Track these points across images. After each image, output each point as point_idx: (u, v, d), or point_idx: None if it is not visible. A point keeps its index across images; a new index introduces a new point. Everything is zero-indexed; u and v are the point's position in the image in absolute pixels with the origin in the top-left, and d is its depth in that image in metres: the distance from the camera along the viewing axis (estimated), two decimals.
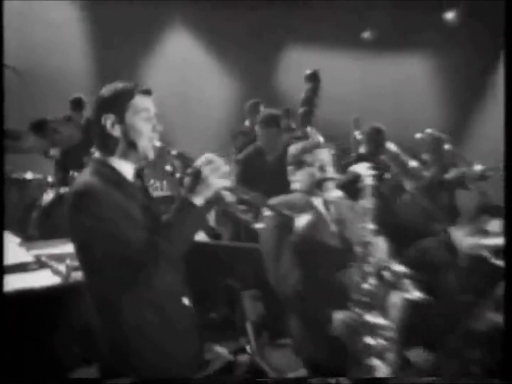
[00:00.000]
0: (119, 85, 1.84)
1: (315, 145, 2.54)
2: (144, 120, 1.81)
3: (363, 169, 2.31)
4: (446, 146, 4.44)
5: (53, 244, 2.85)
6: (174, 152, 1.83)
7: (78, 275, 2.30)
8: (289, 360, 2.49)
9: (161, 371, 1.82)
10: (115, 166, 1.82)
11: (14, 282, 2.33)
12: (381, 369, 2.05)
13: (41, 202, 3.76)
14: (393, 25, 6.92)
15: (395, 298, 2.10)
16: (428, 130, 4.50)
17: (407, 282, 2.08)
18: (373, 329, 2.04)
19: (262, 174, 3.60)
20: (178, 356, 1.88)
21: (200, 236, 3.41)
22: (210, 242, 3.25)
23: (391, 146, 4.27)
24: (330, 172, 2.45)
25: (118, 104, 1.80)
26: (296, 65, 7.44)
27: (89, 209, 1.69)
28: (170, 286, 1.85)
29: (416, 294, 2.04)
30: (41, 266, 2.56)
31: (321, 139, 4.89)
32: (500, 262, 2.57)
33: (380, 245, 2.22)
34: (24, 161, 4.00)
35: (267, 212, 1.79)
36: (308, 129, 5.12)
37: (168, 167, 1.86)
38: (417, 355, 2.62)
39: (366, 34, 7.44)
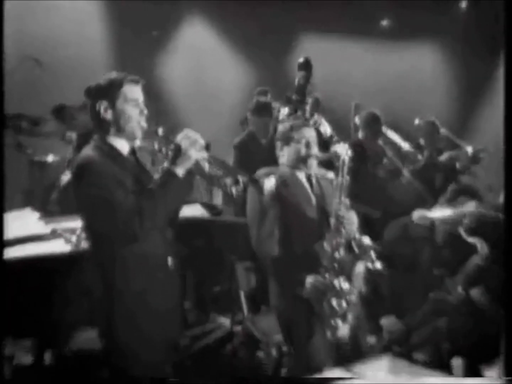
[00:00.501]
0: (111, 75, 2.10)
1: (302, 123, 2.75)
2: (133, 105, 2.07)
3: (342, 149, 2.54)
4: (442, 131, 4.64)
5: (69, 219, 3.08)
6: (160, 132, 2.10)
7: (86, 245, 2.61)
8: (274, 324, 2.76)
9: (149, 327, 2.07)
10: (112, 143, 2.09)
11: (31, 250, 2.68)
12: (344, 329, 2.30)
13: (60, 182, 4.10)
14: (404, 14, 7.04)
15: (360, 268, 2.35)
16: (432, 118, 4.71)
17: (372, 254, 2.31)
18: (338, 293, 2.30)
19: (258, 157, 3.83)
20: (163, 311, 2.12)
21: (201, 213, 3.70)
22: (209, 218, 3.53)
23: (387, 131, 4.48)
24: (315, 149, 2.68)
25: (110, 92, 2.06)
26: (310, 52, 7.58)
27: (89, 178, 1.98)
28: (155, 247, 2.10)
29: (377, 265, 2.28)
30: (56, 237, 2.89)
31: (328, 128, 5.16)
32: (471, 239, 2.75)
33: (352, 219, 2.45)
34: (45, 145, 4.34)
35: (241, 179, 2.04)
36: (315, 116, 5.37)
37: (156, 145, 2.13)
38: (389, 322, 2.87)
39: (384, 22, 7.59)
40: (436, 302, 2.76)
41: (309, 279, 2.35)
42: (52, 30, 5.60)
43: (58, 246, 2.76)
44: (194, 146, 2.00)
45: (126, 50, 6.28)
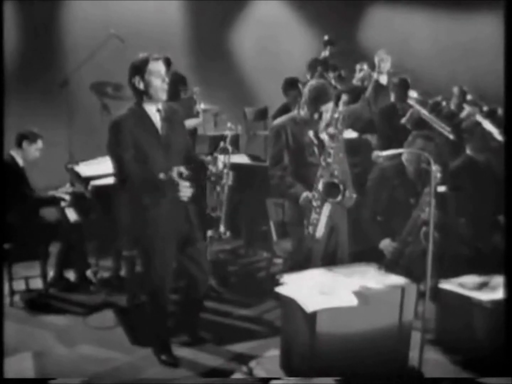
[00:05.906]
0: (140, 56, 2.87)
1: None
2: (156, 76, 2.83)
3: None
4: (468, 97, 5.23)
5: None
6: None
7: None
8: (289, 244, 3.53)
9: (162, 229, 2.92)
10: (144, 106, 2.88)
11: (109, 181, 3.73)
12: (320, 226, 3.10)
13: None
14: None
15: None
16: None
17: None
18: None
19: None
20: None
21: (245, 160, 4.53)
22: (251, 163, 4.46)
23: (413, 93, 5.04)
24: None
25: (140, 69, 2.83)
26: (378, 22, 7.96)
27: (112, 137, 2.83)
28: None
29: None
30: None
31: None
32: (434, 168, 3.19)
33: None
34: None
35: None
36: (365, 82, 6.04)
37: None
38: (385, 244, 3.57)
39: None
40: (415, 220, 3.47)
41: (305, 193, 3.16)
42: (134, 13, 6.51)
43: None
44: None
45: (199, 29, 7.11)
